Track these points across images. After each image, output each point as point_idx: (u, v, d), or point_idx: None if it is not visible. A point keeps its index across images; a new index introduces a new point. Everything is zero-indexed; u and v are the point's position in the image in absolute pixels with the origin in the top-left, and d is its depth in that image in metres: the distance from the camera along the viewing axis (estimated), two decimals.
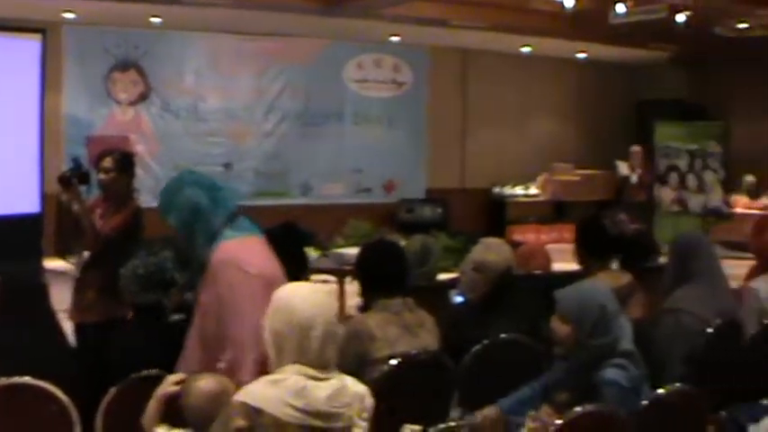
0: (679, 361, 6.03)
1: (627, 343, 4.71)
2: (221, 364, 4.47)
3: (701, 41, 18.28)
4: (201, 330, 4.64)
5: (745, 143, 20.22)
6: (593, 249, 6.61)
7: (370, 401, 3.97)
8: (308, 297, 3.90)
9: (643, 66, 21.23)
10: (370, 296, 5.58)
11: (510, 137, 20.54)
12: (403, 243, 8.51)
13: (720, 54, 19.08)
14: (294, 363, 3.79)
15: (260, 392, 3.74)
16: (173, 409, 4.11)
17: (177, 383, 4.17)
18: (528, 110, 20.88)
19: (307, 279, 5.45)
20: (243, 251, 4.65)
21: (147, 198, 7.70)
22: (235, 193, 4.88)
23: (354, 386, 3.94)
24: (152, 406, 4.18)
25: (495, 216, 19.38)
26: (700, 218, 19.10)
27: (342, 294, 10.93)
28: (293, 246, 5.54)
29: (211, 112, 17.20)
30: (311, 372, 3.79)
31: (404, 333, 5.33)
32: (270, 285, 4.36)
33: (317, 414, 3.73)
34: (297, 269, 5.31)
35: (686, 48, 19.40)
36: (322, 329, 3.81)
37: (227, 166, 17.31)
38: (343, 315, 10.02)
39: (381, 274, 5.51)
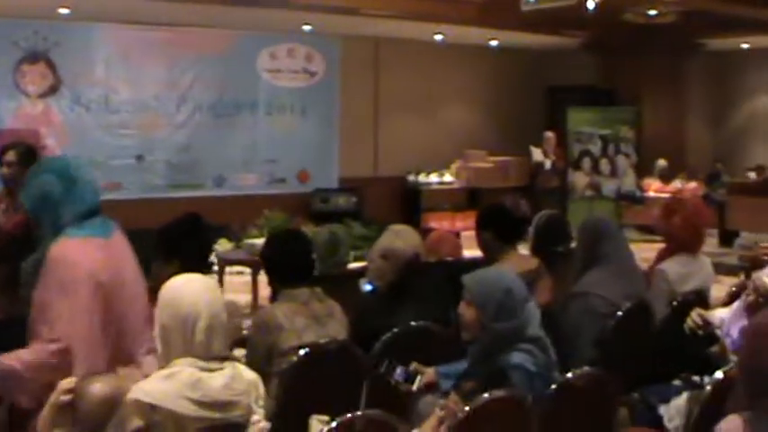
0: (589, 344, 6.05)
1: (534, 328, 4.68)
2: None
3: (611, 28, 18.43)
4: (31, 328, 4.42)
5: (657, 128, 20.46)
6: (500, 234, 6.60)
7: (262, 388, 3.96)
8: (193, 290, 3.85)
9: (555, 52, 21.33)
10: (278, 286, 5.52)
11: (423, 125, 20.55)
12: (317, 230, 8.49)
13: (631, 40, 19.25)
14: (182, 356, 3.72)
15: (154, 388, 3.68)
16: (67, 415, 4.00)
17: (70, 390, 4.05)
18: (441, 97, 20.88)
19: (208, 271, 5.33)
20: (79, 251, 4.36)
21: None
22: (96, 190, 4.60)
23: (247, 373, 3.92)
24: (46, 413, 4.06)
25: (410, 204, 19.40)
26: (613, 202, 19.26)
27: (255, 285, 10.87)
28: (194, 237, 5.43)
29: (122, 103, 16.92)
30: (202, 363, 3.74)
31: (312, 323, 5.28)
32: (102, 290, 4.29)
33: (215, 404, 3.70)
34: (199, 261, 5.21)
35: (597, 34, 19.55)
36: (207, 322, 3.76)
37: (140, 158, 17.10)
38: (255, 306, 9.99)
39: (287, 264, 5.44)
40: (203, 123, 17.74)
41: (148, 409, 3.60)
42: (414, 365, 5.00)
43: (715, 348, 5.85)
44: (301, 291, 5.35)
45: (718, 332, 5.87)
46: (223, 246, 12.83)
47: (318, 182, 18.92)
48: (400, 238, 6.13)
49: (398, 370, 4.92)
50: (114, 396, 3.90)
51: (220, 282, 10.84)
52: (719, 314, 6.05)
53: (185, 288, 3.86)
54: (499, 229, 6.61)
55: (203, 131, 17.71)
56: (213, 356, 3.77)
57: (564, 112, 20.28)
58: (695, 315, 5.97)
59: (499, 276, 4.80)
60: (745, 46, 21.32)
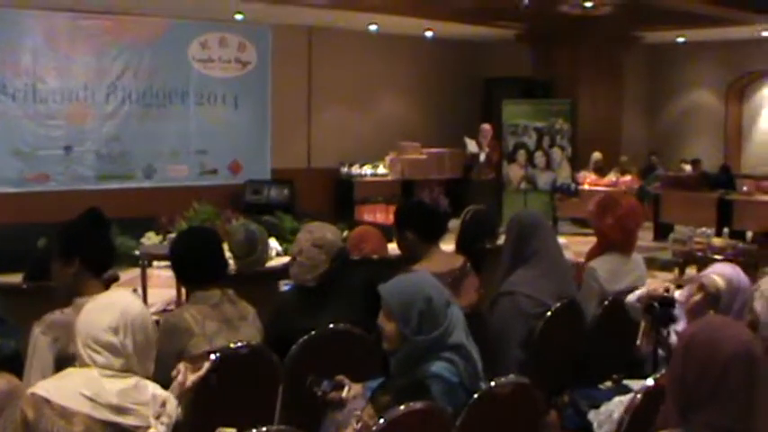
0: (516, 346, 5.87)
1: (457, 335, 4.43)
2: None
3: (547, 19, 18.32)
4: None
5: (592, 120, 20.41)
6: (422, 233, 6.31)
7: (172, 408, 3.80)
8: (86, 309, 3.83)
9: (491, 43, 21.21)
10: (188, 288, 5.24)
11: (357, 116, 20.38)
12: (233, 227, 8.22)
13: (567, 32, 19.14)
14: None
15: (50, 383, 3.68)
16: None
17: None
18: (375, 88, 20.73)
19: (107, 270, 5.04)
20: None
21: None
22: None
23: (155, 389, 3.78)
24: None
25: (343, 196, 19.32)
26: (548, 195, 19.17)
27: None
28: (95, 235, 5.12)
29: (50, 93, 16.61)
30: (100, 370, 3.68)
31: (223, 327, 5.00)
32: None
33: (108, 406, 3.60)
34: (99, 260, 4.91)
35: (533, 26, 19.43)
36: (78, 341, 3.75)
37: (68, 149, 16.82)
38: (180, 302, 9.66)
39: (194, 265, 5.15)
40: (133, 113, 17.50)
41: (41, 403, 3.55)
42: (340, 378, 4.73)
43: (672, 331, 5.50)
44: (212, 292, 5.07)
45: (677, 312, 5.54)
46: (151, 239, 12.56)
47: (250, 173, 18.75)
48: (327, 229, 5.86)
49: (325, 382, 4.65)
50: (10, 390, 3.91)
51: (143, 277, 10.52)
52: (678, 295, 5.74)
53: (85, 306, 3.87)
54: (420, 227, 6.31)
55: (133, 122, 17.49)
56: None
57: (499, 105, 20.13)
58: (659, 285, 5.66)
59: (418, 285, 4.52)
60: (681, 39, 21.33)
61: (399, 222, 6.42)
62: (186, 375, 4.18)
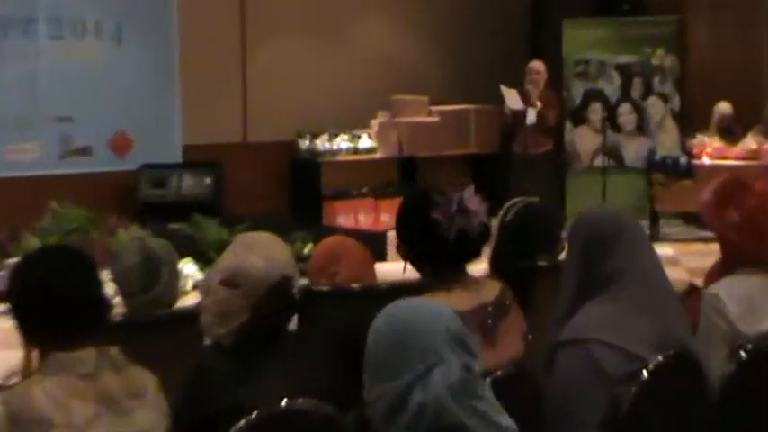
0: (593, 425, 5.88)
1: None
2: None
3: None
4: None
5: (713, 51, 20.38)
6: (422, 254, 6.33)
7: None
8: None
9: None
10: (40, 348, 5.25)
11: (323, 57, 20.39)
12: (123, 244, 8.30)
13: None
14: None
15: None
16: None
17: None
18: (351, 12, 20.75)
19: None
20: None
21: None
22: None
23: None
24: None
25: (304, 187, 19.40)
26: (642, 176, 19.18)
27: None
28: None
29: None
30: None
31: (103, 411, 5.03)
32: None
33: None
34: None
35: None
36: None
37: None
38: (29, 369, 9.73)
39: (49, 309, 5.16)
40: None
41: None
42: None
43: None
44: (83, 354, 5.08)
45: None
46: None
47: (148, 154, 18.85)
48: (256, 251, 5.85)
49: None
50: None
51: None
52: None
53: None
54: (422, 245, 6.32)
55: None
56: None
57: (557, 30, 20.15)
58: None
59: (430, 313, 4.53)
60: None
61: (399, 229, 6.43)
62: None
